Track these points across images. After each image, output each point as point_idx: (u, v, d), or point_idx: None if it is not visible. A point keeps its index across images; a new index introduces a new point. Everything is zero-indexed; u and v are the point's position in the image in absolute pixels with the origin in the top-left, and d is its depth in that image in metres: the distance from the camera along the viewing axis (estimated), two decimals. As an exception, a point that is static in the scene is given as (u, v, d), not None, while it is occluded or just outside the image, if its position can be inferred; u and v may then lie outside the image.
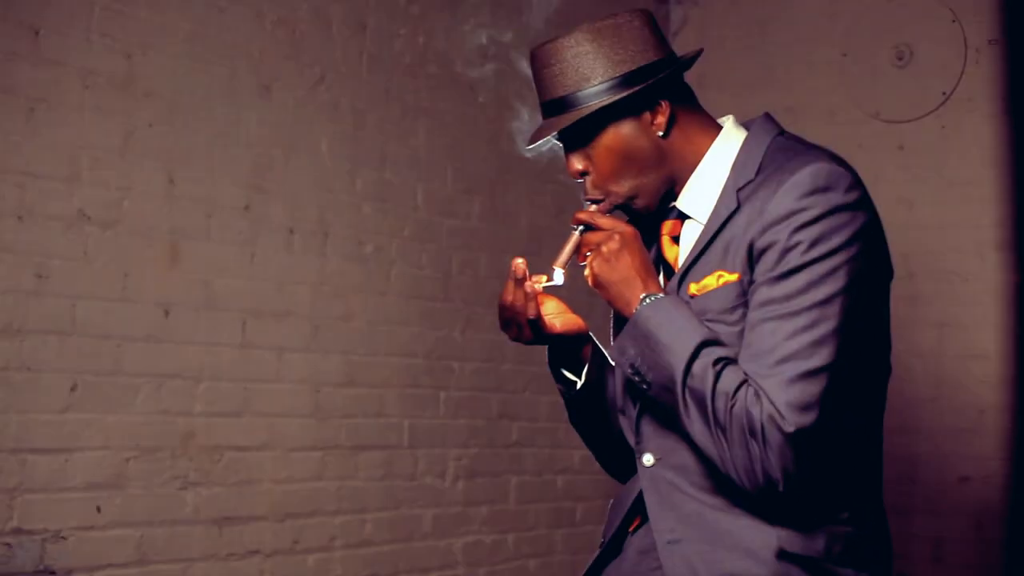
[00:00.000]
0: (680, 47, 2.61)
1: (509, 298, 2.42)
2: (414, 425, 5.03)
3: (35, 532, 3.77)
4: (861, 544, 2.22)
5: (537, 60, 2.36)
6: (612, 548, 2.48)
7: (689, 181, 2.36)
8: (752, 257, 2.17)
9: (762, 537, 2.18)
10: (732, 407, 2.09)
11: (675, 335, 2.17)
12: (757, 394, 2.08)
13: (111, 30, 4.04)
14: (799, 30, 6.16)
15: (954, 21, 5.68)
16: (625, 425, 2.44)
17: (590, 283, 2.33)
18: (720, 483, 2.22)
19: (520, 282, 2.40)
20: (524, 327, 2.44)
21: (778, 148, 2.29)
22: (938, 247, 5.65)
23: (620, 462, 2.57)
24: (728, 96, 5.73)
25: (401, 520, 4.95)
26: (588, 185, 2.38)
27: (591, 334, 2.55)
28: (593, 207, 2.38)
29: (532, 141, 2.40)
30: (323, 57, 4.76)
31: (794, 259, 2.10)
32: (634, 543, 2.42)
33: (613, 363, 2.39)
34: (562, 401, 2.63)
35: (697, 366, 2.13)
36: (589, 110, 2.28)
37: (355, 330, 4.81)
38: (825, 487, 2.18)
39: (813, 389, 2.06)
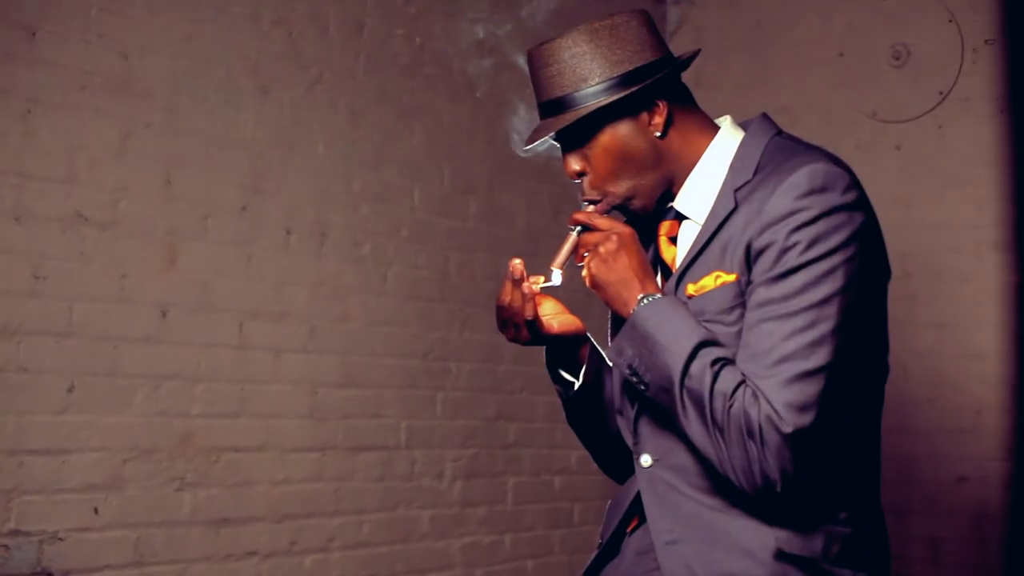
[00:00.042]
0: (677, 47, 2.61)
1: (507, 299, 2.42)
2: (411, 426, 5.03)
3: (32, 533, 3.76)
4: (859, 544, 2.22)
5: (534, 60, 2.36)
6: (610, 549, 2.48)
7: (686, 181, 2.36)
8: (750, 257, 2.17)
9: (760, 538, 2.18)
10: (730, 408, 2.09)
11: (673, 336, 2.17)
12: (755, 395, 2.08)
13: (108, 31, 4.04)
14: (796, 30, 6.16)
15: (951, 21, 5.69)
16: (623, 426, 2.44)
17: (587, 284, 2.33)
18: (718, 484, 2.22)
19: (518, 283, 2.40)
20: (522, 328, 2.44)
21: (776, 148, 2.29)
22: (935, 247, 5.65)
23: (618, 463, 2.57)
24: (725, 96, 5.75)
25: (399, 521, 4.95)
26: (585, 186, 2.38)
27: (589, 335, 2.55)
28: (591, 208, 2.38)
29: (530, 142, 2.40)
30: (320, 58, 4.76)
31: (792, 259, 2.10)
32: (632, 544, 2.42)
33: (611, 364, 2.39)
34: (560, 402, 2.63)
35: (695, 367, 2.13)
36: (586, 111, 2.28)
37: (352, 331, 4.81)
38: (823, 488, 2.18)
39: (811, 390, 2.06)
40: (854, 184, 2.17)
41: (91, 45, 3.99)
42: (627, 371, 2.25)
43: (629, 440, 2.41)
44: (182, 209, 4.23)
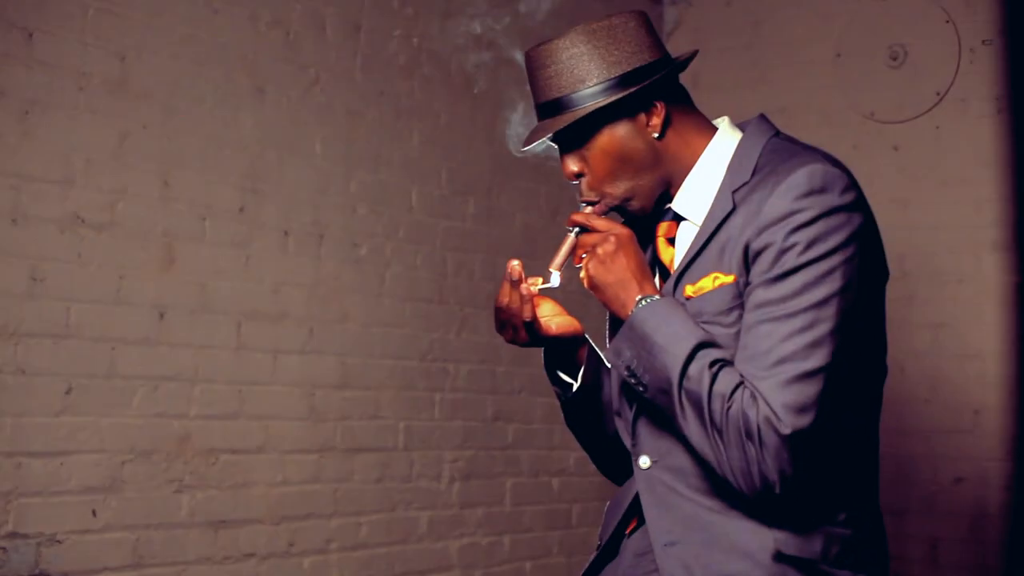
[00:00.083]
0: (674, 48, 2.61)
1: (505, 300, 2.42)
2: (410, 427, 5.03)
3: (30, 536, 3.76)
4: (858, 546, 2.22)
5: (532, 62, 2.36)
6: (609, 550, 2.48)
7: (684, 183, 2.36)
8: (748, 259, 2.17)
9: (759, 539, 2.17)
10: (728, 409, 2.09)
11: (671, 337, 2.16)
12: (753, 396, 2.08)
13: (105, 32, 4.04)
14: (793, 31, 6.16)
15: (948, 21, 5.69)
16: (621, 427, 2.44)
17: (586, 285, 2.32)
18: (717, 485, 2.21)
19: (516, 284, 2.39)
20: (520, 329, 2.43)
21: (773, 149, 2.29)
22: (933, 248, 5.65)
23: (616, 464, 2.57)
24: (722, 97, 5.75)
25: (397, 522, 4.95)
26: (583, 187, 2.38)
27: (587, 336, 2.55)
28: (588, 209, 2.37)
29: (527, 143, 2.40)
30: (317, 59, 4.76)
31: (790, 261, 2.09)
32: (631, 545, 2.41)
33: (609, 365, 2.38)
34: (558, 403, 2.63)
35: (693, 368, 2.13)
36: (584, 112, 2.28)
37: (350, 332, 4.81)
38: (822, 489, 2.18)
39: (810, 391, 2.06)
40: (852, 185, 2.17)
41: (88, 46, 3.99)
42: (625, 372, 2.24)
43: (627, 441, 2.41)
44: (180, 210, 4.23)
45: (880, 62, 5.86)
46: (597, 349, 2.56)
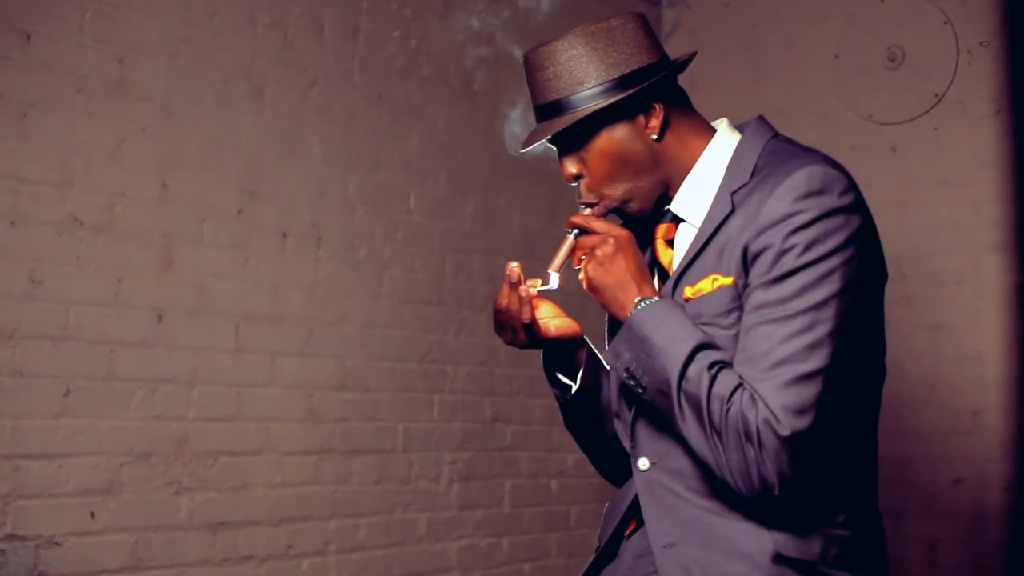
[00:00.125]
0: (672, 49, 2.61)
1: (504, 302, 2.42)
2: (408, 429, 5.03)
3: (28, 538, 3.76)
4: (857, 547, 2.22)
5: (531, 63, 2.36)
6: (608, 552, 2.48)
7: (683, 184, 2.36)
8: (747, 260, 2.17)
9: (758, 541, 2.17)
10: (727, 411, 2.09)
11: (670, 339, 2.16)
12: (752, 398, 2.08)
13: (103, 34, 4.03)
14: (791, 32, 6.16)
15: (946, 23, 5.69)
16: (620, 429, 2.44)
17: (585, 287, 2.32)
18: (716, 487, 2.21)
19: (515, 286, 2.39)
20: (519, 331, 2.43)
21: (772, 151, 2.29)
22: (931, 249, 5.65)
23: (615, 466, 2.57)
24: (720, 98, 5.75)
25: (395, 524, 4.95)
26: (582, 189, 2.37)
27: (586, 338, 2.55)
28: (587, 211, 2.38)
29: (526, 145, 2.40)
30: (315, 60, 4.75)
31: (789, 262, 2.09)
32: (630, 547, 2.41)
33: (608, 367, 2.38)
34: (556, 405, 2.63)
35: (692, 370, 2.13)
36: (583, 114, 2.28)
37: (348, 334, 4.81)
38: (821, 490, 2.18)
39: (809, 392, 2.06)
40: (851, 186, 2.17)
41: (86, 49, 3.99)
42: (624, 374, 2.24)
43: (626, 443, 2.41)
44: (178, 212, 4.23)
45: (878, 63, 5.87)
46: (596, 351, 2.56)
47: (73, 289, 3.92)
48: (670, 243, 2.39)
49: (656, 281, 2.39)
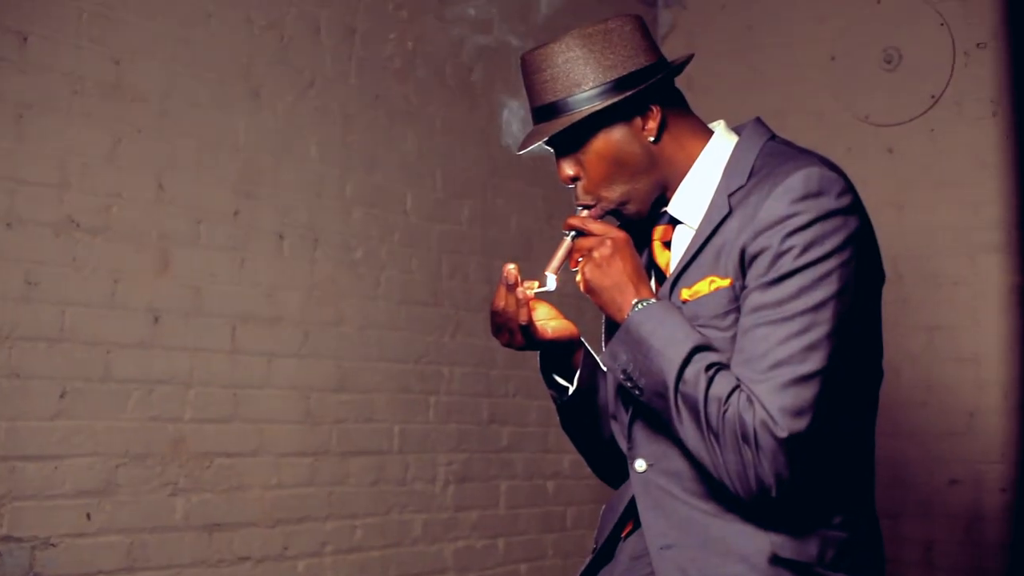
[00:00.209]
0: (668, 51, 2.61)
1: (501, 303, 2.42)
2: (404, 430, 5.03)
3: (24, 539, 3.76)
4: (854, 549, 2.22)
5: (528, 65, 2.36)
6: (604, 553, 2.48)
7: (680, 186, 2.36)
8: (744, 262, 2.17)
9: (755, 542, 2.17)
10: (725, 412, 2.09)
11: (667, 341, 2.16)
12: (750, 399, 2.08)
13: (100, 36, 4.03)
14: (787, 33, 6.17)
15: (942, 24, 5.69)
16: (617, 430, 2.44)
17: (582, 288, 2.32)
18: (713, 488, 2.21)
19: (512, 288, 2.39)
20: (516, 333, 2.43)
21: (769, 153, 2.29)
22: (928, 250, 5.66)
23: (612, 467, 2.57)
24: (717, 100, 5.75)
25: (391, 525, 4.94)
26: (579, 190, 2.37)
27: (583, 340, 2.55)
28: (584, 212, 2.37)
29: (523, 147, 2.40)
30: (312, 62, 4.75)
31: (786, 264, 2.09)
32: (627, 548, 2.41)
33: (605, 369, 2.38)
34: (553, 406, 2.63)
35: (689, 371, 2.13)
36: (580, 116, 2.28)
37: (345, 335, 4.81)
38: (818, 492, 2.18)
39: (806, 394, 2.06)
40: (848, 188, 2.17)
41: (83, 50, 3.98)
42: (621, 376, 2.24)
43: (623, 445, 2.41)
44: (174, 214, 4.23)
45: (875, 65, 5.87)
46: (593, 353, 2.56)
47: (69, 290, 3.91)
48: (667, 245, 2.39)
49: (653, 283, 2.39)
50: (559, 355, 2.54)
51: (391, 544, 4.93)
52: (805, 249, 2.09)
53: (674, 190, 2.36)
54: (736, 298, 2.18)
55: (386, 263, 4.99)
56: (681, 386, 2.14)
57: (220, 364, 4.35)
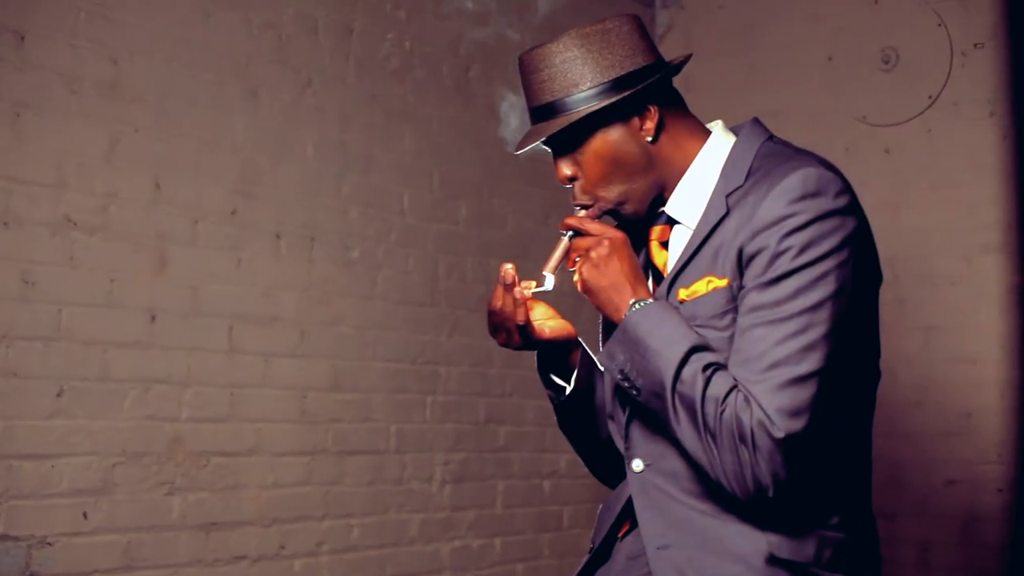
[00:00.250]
0: (666, 51, 2.61)
1: (498, 303, 2.41)
2: (401, 430, 5.02)
3: (21, 538, 3.76)
4: (851, 549, 2.22)
5: (525, 65, 2.36)
6: (601, 553, 2.48)
7: (678, 186, 2.36)
8: (741, 262, 2.17)
9: (752, 543, 2.17)
10: (722, 413, 2.09)
11: (664, 341, 2.16)
12: (747, 400, 2.08)
13: (97, 35, 4.03)
14: (785, 34, 6.17)
15: (940, 25, 5.69)
16: (614, 430, 2.44)
17: (579, 288, 2.32)
18: (710, 489, 2.21)
19: (509, 287, 2.39)
20: (513, 332, 2.43)
21: (767, 153, 2.29)
22: (924, 250, 5.66)
23: (609, 467, 2.57)
24: (714, 100, 5.74)
25: (388, 525, 4.94)
26: (577, 190, 2.37)
27: (580, 340, 2.55)
28: (582, 212, 2.37)
29: (520, 147, 2.40)
30: (310, 62, 4.75)
31: (784, 264, 2.09)
32: (623, 548, 2.41)
33: (602, 369, 2.38)
34: (550, 406, 2.63)
35: (687, 372, 2.13)
36: (577, 116, 2.28)
37: (342, 335, 4.81)
38: (815, 492, 2.18)
39: (803, 395, 2.06)
40: (846, 188, 2.17)
41: (80, 49, 3.98)
42: (619, 376, 2.24)
43: (620, 445, 2.41)
44: (171, 213, 4.23)
45: (872, 65, 5.87)
46: (590, 352, 2.56)
47: (66, 290, 3.91)
48: (665, 245, 2.39)
49: (651, 283, 2.39)
50: (556, 355, 2.54)
51: (388, 543, 4.93)
52: (803, 249, 2.09)
53: (672, 190, 2.36)
54: (734, 298, 2.19)
55: (383, 263, 4.99)
56: (678, 386, 2.14)
57: (217, 364, 4.35)
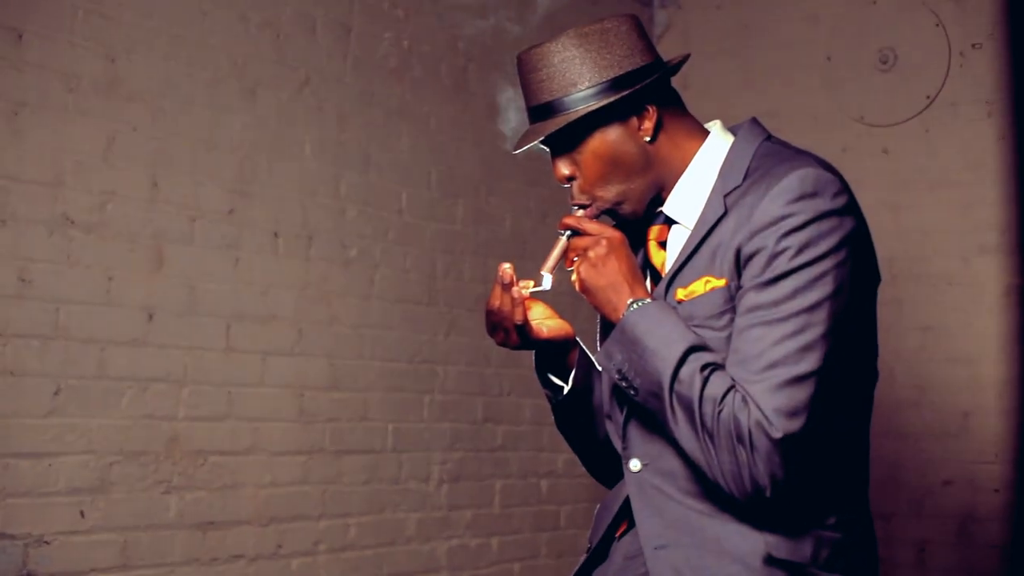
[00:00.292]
0: (664, 51, 2.61)
1: (496, 303, 2.41)
2: (398, 429, 5.02)
3: (18, 537, 3.75)
4: (848, 549, 2.22)
5: (524, 65, 2.36)
6: (599, 553, 2.48)
7: (676, 186, 2.35)
8: (739, 262, 2.17)
9: (749, 543, 2.17)
10: (719, 413, 2.09)
11: (662, 341, 2.16)
12: (745, 400, 2.08)
13: (95, 34, 4.03)
14: (783, 34, 6.17)
15: (938, 25, 5.70)
16: (612, 430, 2.44)
17: (577, 288, 2.32)
18: (707, 488, 2.21)
19: (507, 287, 2.39)
20: (511, 332, 2.43)
21: (765, 153, 2.29)
22: (922, 251, 5.66)
23: (607, 467, 2.57)
24: (712, 100, 5.75)
25: (385, 524, 4.94)
26: (575, 190, 2.37)
27: (578, 339, 2.55)
28: (580, 212, 2.37)
29: (519, 146, 2.40)
30: (307, 60, 4.75)
31: (781, 265, 2.09)
32: (621, 548, 2.41)
33: (600, 368, 2.38)
34: (547, 405, 2.63)
35: (684, 372, 2.13)
36: (576, 115, 2.28)
37: (339, 334, 4.80)
38: (812, 493, 2.18)
39: (800, 395, 2.06)
40: (844, 189, 2.17)
41: (78, 48, 3.98)
42: (616, 376, 2.24)
43: (618, 445, 2.41)
44: (169, 212, 4.22)
45: (870, 65, 5.87)
46: (588, 352, 2.56)
47: (64, 288, 3.91)
48: (663, 245, 2.38)
49: (648, 283, 2.39)
50: (554, 354, 2.54)
51: (385, 543, 4.93)
52: (800, 250, 2.09)
53: (670, 190, 2.36)
54: (731, 298, 2.18)
55: (380, 262, 4.99)
56: (676, 386, 2.14)
57: (214, 362, 4.35)
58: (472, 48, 5.41)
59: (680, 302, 2.25)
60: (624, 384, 2.23)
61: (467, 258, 5.40)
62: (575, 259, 2.33)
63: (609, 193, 2.34)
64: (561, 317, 2.51)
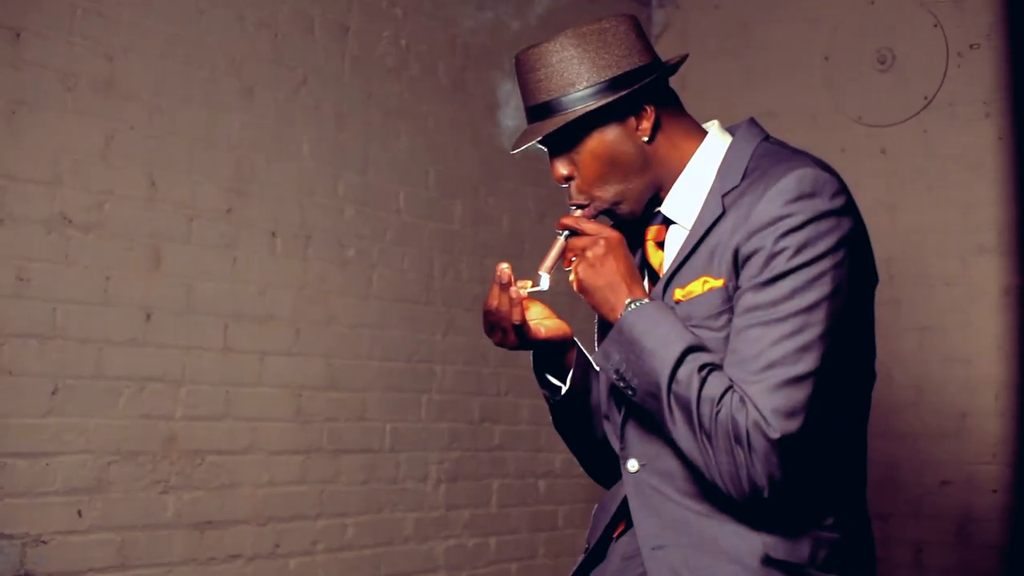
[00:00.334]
0: (662, 51, 2.61)
1: (494, 303, 2.41)
2: (396, 429, 5.02)
3: (15, 536, 3.75)
4: (846, 550, 2.22)
5: (522, 65, 2.35)
6: (596, 553, 2.47)
7: (674, 186, 2.35)
8: (737, 263, 2.16)
9: (747, 543, 2.17)
10: (717, 413, 2.09)
11: (660, 341, 2.16)
12: (742, 400, 2.07)
13: (92, 33, 4.03)
14: (781, 34, 6.17)
15: (936, 25, 5.70)
16: (610, 430, 2.44)
17: (575, 288, 2.32)
18: (705, 489, 2.21)
19: (505, 287, 2.39)
20: (509, 332, 2.42)
21: (763, 153, 2.29)
22: (920, 251, 5.66)
23: (604, 467, 2.57)
24: (710, 100, 5.74)
25: (383, 524, 4.94)
26: (573, 190, 2.37)
27: (576, 339, 2.54)
28: (578, 212, 2.37)
29: (516, 146, 2.39)
30: (305, 60, 4.75)
31: (779, 265, 2.09)
32: (618, 549, 2.41)
33: (598, 368, 2.38)
34: (545, 405, 2.62)
35: (682, 372, 2.13)
36: (574, 115, 2.28)
37: (337, 334, 4.80)
38: (810, 493, 2.18)
39: (799, 395, 2.06)
40: (842, 189, 2.17)
41: (76, 47, 3.98)
42: (614, 376, 2.24)
43: (616, 445, 2.40)
44: (166, 211, 4.22)
45: (868, 66, 5.87)
46: (586, 352, 2.55)
47: (61, 287, 3.91)
48: (661, 245, 2.38)
49: (646, 283, 2.39)
50: (552, 354, 2.54)
51: (382, 542, 4.93)
52: (798, 250, 2.09)
53: (668, 190, 2.36)
54: (729, 299, 2.18)
55: (378, 262, 4.98)
56: (674, 386, 2.13)
57: (212, 362, 4.35)
58: (470, 48, 5.41)
59: (678, 302, 2.25)
60: (622, 384, 2.23)
61: (465, 258, 5.39)
62: (573, 259, 2.32)
63: (607, 193, 2.34)
64: (559, 317, 2.51)
